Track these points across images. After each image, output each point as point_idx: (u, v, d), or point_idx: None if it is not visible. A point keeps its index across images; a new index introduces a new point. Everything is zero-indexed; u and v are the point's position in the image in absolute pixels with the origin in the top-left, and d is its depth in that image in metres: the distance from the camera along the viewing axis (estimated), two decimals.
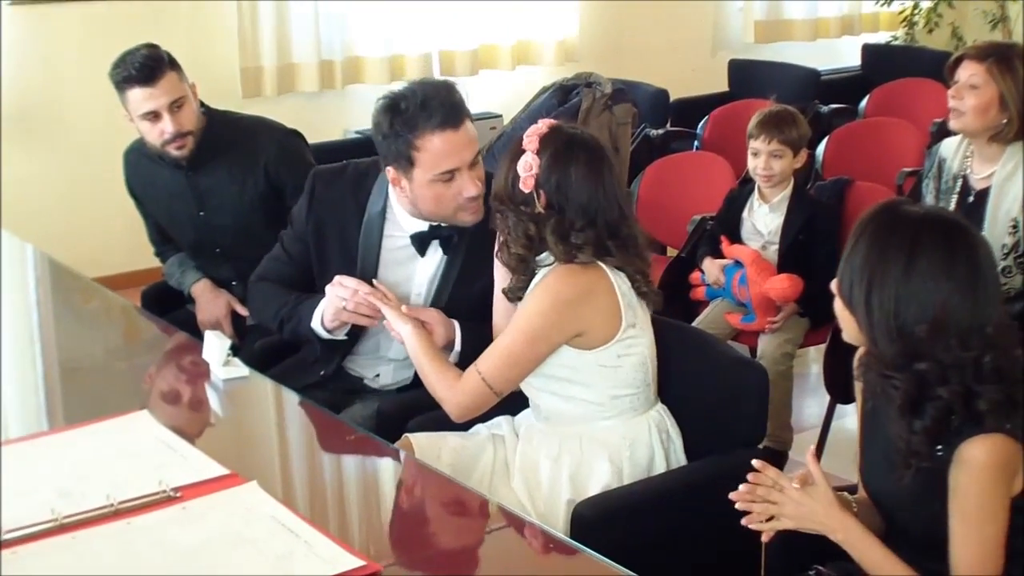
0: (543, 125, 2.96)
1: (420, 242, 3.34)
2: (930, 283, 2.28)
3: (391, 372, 3.51)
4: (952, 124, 4.14)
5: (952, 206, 4.11)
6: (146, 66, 3.90)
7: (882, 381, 2.39)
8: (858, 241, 2.38)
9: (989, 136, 4.07)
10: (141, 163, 4.22)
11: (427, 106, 3.13)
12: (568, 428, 3.01)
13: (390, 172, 3.23)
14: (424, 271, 3.38)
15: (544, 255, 2.96)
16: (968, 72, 4.05)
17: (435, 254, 3.36)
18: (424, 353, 3.07)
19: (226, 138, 4.09)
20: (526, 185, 2.90)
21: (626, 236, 2.96)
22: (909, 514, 2.46)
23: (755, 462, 2.51)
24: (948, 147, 4.27)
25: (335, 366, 3.50)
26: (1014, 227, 4.00)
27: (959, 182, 4.17)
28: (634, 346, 2.98)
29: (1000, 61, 4.03)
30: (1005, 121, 4.03)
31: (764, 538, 2.53)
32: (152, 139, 3.99)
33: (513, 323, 2.95)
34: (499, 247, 3.00)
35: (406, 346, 3.11)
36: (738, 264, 4.57)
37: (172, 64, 3.97)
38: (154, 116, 3.93)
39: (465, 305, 3.27)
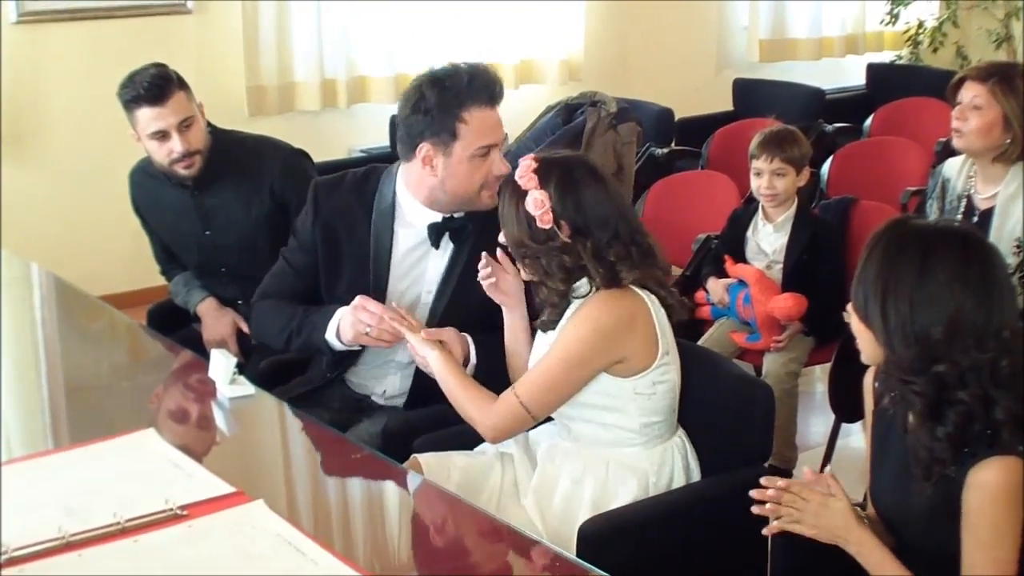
0: (529, 161, 2.94)
1: (436, 233, 3.35)
2: (944, 288, 2.31)
3: (398, 381, 3.50)
4: (955, 144, 4.14)
5: None
6: (155, 85, 3.90)
7: (902, 388, 2.39)
8: (870, 256, 2.41)
9: (993, 156, 4.07)
10: (147, 183, 4.23)
11: (474, 82, 3.19)
12: (596, 451, 3.00)
13: (424, 149, 3.23)
14: (436, 266, 3.39)
15: (579, 283, 2.95)
16: (971, 93, 4.06)
17: (447, 248, 3.38)
18: (453, 376, 3.04)
19: (232, 157, 4.09)
20: (544, 221, 2.88)
21: (646, 245, 2.96)
22: (920, 532, 2.46)
23: (780, 482, 2.50)
24: (952, 167, 4.27)
25: (338, 374, 3.52)
26: (1018, 247, 4.00)
27: (963, 202, 4.17)
28: (668, 373, 2.99)
29: (1003, 81, 4.04)
30: (1009, 141, 4.03)
31: (766, 531, 2.53)
32: (160, 159, 3.99)
33: (553, 349, 2.93)
34: (537, 290, 2.98)
35: (433, 370, 3.08)
36: (742, 283, 4.58)
37: (180, 84, 3.97)
38: (162, 136, 3.93)
39: (474, 299, 3.26)
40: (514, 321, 3.17)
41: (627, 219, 2.97)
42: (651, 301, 2.94)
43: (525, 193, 2.90)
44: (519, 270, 3.05)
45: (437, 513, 2.68)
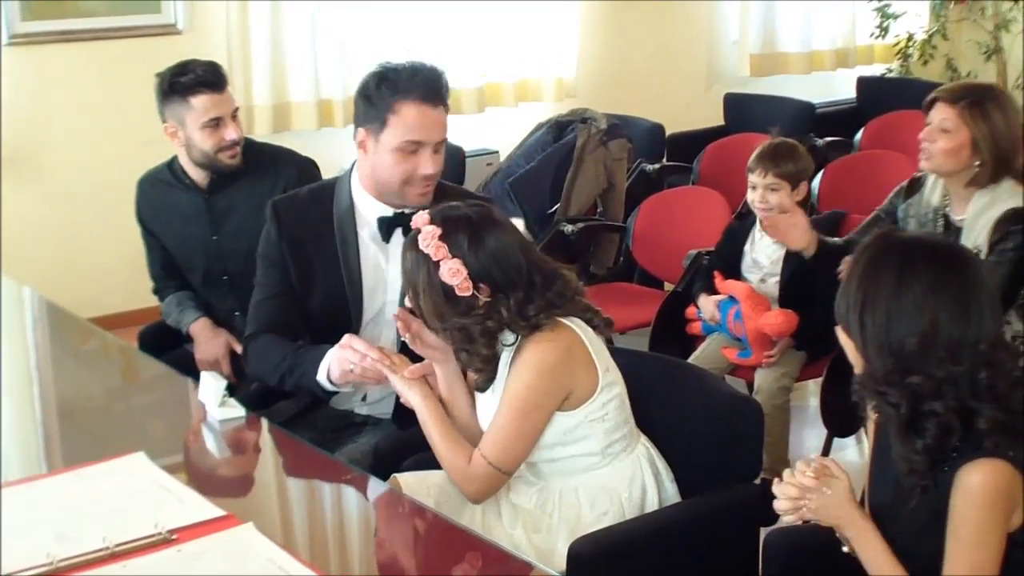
0: (429, 228, 2.84)
1: (386, 228, 3.37)
2: (919, 300, 2.34)
3: (378, 387, 3.45)
4: (922, 165, 4.11)
5: None
6: (213, 72, 4.06)
7: (877, 398, 2.41)
8: (853, 269, 2.44)
9: (965, 181, 4.06)
10: (156, 189, 4.29)
11: (414, 77, 3.22)
12: (563, 481, 3.00)
13: (360, 134, 3.29)
14: (396, 262, 3.34)
15: (501, 335, 2.90)
16: (940, 115, 4.04)
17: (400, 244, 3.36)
18: (435, 429, 2.95)
19: (247, 163, 4.17)
20: (464, 289, 2.81)
21: (559, 282, 2.92)
22: (912, 538, 2.47)
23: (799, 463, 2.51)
24: (928, 181, 4.27)
25: (323, 404, 3.52)
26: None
27: (940, 217, 4.17)
28: (613, 389, 2.96)
29: (973, 105, 4.01)
30: (978, 164, 4.02)
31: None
32: (207, 147, 4.07)
33: (504, 403, 2.88)
34: (464, 360, 2.93)
35: (418, 417, 2.99)
36: (733, 300, 4.58)
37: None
38: (217, 123, 4.03)
39: None
40: (447, 375, 3.06)
41: (535, 260, 2.91)
42: (576, 325, 2.90)
43: (437, 263, 2.82)
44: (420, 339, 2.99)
45: (419, 532, 2.67)
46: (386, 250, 3.42)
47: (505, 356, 2.91)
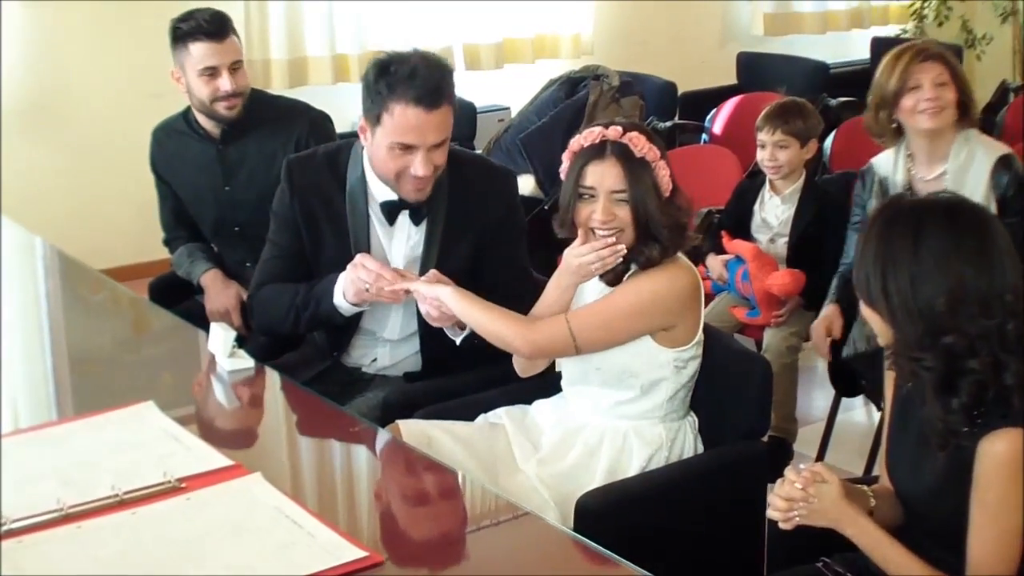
0: (629, 133, 2.93)
1: (389, 211, 3.36)
2: (940, 258, 2.31)
3: (387, 354, 3.52)
4: (934, 123, 4.09)
5: None
6: (215, 22, 4.04)
7: (912, 365, 2.38)
8: (867, 239, 2.41)
9: (945, 136, 4.10)
10: (170, 139, 4.31)
11: (412, 78, 3.14)
12: (616, 422, 3.03)
13: (361, 120, 3.26)
14: (399, 241, 3.40)
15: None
16: (934, 72, 4.05)
17: (407, 229, 3.39)
18: (475, 305, 3.01)
19: (260, 115, 4.18)
20: (666, 190, 2.95)
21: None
22: (930, 503, 2.47)
23: (789, 472, 2.49)
24: (884, 163, 4.25)
25: (334, 360, 3.54)
26: None
27: (908, 192, 4.15)
28: (700, 348, 3.04)
29: (951, 56, 4.16)
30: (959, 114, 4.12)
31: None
32: (204, 96, 4.07)
33: (620, 292, 2.97)
34: (641, 251, 2.97)
35: (452, 307, 3.03)
36: (740, 259, 4.57)
37: (234, 28, 4.11)
38: (212, 72, 4.03)
39: (452, 275, 3.25)
40: (570, 291, 3.10)
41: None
42: (699, 277, 3.00)
43: (650, 165, 2.91)
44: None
45: (427, 483, 2.69)
46: (390, 232, 3.41)
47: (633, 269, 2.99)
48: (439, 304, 3.07)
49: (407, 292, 3.14)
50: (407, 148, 3.18)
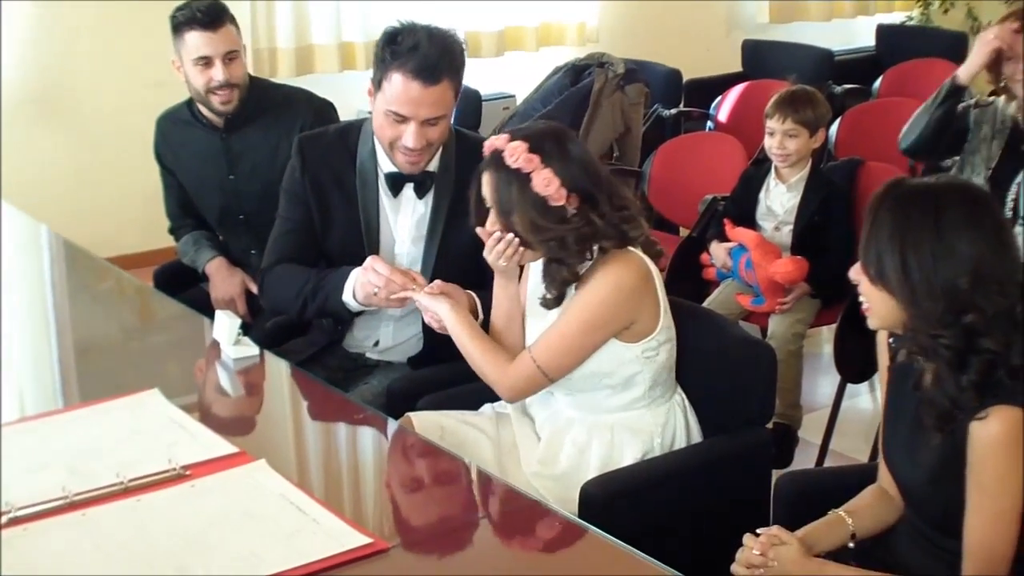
0: (511, 143, 2.86)
1: (393, 183, 3.38)
2: (963, 235, 2.30)
3: (391, 333, 3.52)
4: None
5: (997, 150, 4.23)
6: (210, 12, 4.01)
7: (930, 342, 2.35)
8: (877, 216, 2.38)
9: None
10: (174, 128, 4.30)
11: (414, 51, 3.16)
12: (601, 417, 3.01)
13: (369, 85, 3.31)
14: (404, 215, 3.42)
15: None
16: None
17: (413, 201, 3.40)
18: (467, 333, 3.01)
19: (263, 103, 4.17)
20: (558, 198, 2.83)
21: (629, 199, 2.97)
22: (927, 489, 2.47)
23: (747, 539, 2.52)
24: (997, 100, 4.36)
25: (336, 339, 3.55)
26: None
27: (1008, 127, 4.23)
28: (670, 331, 3.00)
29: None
30: None
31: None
32: (198, 85, 4.06)
33: (571, 312, 2.90)
34: (552, 273, 2.93)
35: (447, 326, 3.04)
36: (743, 247, 4.57)
37: (232, 18, 4.09)
38: (206, 63, 4.02)
39: (459, 250, 3.30)
40: (509, 298, 3.09)
41: (611, 177, 2.98)
42: (649, 262, 2.94)
43: (527, 176, 2.83)
44: (521, 252, 2.94)
45: (433, 472, 2.69)
46: (396, 204, 3.42)
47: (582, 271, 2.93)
48: (439, 318, 3.07)
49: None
50: (401, 118, 3.21)
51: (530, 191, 2.83)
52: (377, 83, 3.24)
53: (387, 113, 3.23)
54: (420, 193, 3.38)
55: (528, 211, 2.85)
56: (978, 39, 4.36)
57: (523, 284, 3.11)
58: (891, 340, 2.56)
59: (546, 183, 2.82)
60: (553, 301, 2.95)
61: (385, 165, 3.39)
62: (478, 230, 2.97)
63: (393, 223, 3.42)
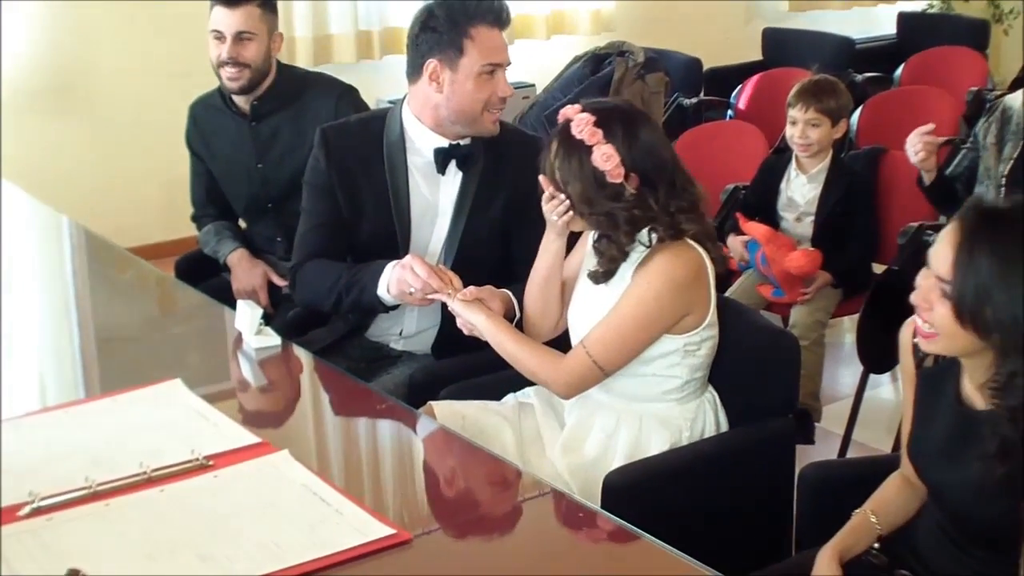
0: (581, 112, 2.86)
1: (443, 158, 3.37)
2: None
3: (415, 320, 3.51)
4: None
5: (1015, 150, 4.20)
6: None
7: (1010, 381, 2.20)
8: (974, 250, 2.19)
9: None
10: (206, 114, 4.32)
11: (483, 2, 3.24)
12: (632, 405, 3.00)
13: (431, 66, 3.27)
14: (447, 196, 3.41)
15: (640, 235, 2.91)
16: None
17: (455, 176, 3.40)
18: (509, 339, 2.99)
19: (291, 91, 4.19)
20: (615, 176, 2.82)
21: (696, 194, 2.94)
22: (972, 503, 2.39)
23: None
24: (1015, 98, 4.31)
25: (357, 328, 3.55)
26: None
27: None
28: (714, 328, 2.99)
29: None
30: None
31: None
32: (212, 58, 4.11)
33: (626, 306, 2.88)
34: (601, 248, 2.94)
35: (486, 336, 3.02)
36: (758, 242, 4.56)
37: (263, 3, 4.10)
38: (219, 37, 4.06)
39: (486, 230, 3.33)
40: (556, 255, 3.07)
41: (680, 166, 2.95)
42: (704, 255, 2.92)
43: (588, 148, 2.83)
44: (570, 216, 2.93)
45: (456, 462, 2.68)
46: (437, 182, 3.41)
47: (633, 258, 2.91)
48: (471, 325, 3.06)
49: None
50: (493, 70, 3.26)
51: (589, 164, 2.84)
52: (457, 50, 3.23)
53: (481, 72, 3.25)
54: (467, 167, 3.38)
55: (584, 182, 2.86)
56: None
57: (577, 250, 3.11)
58: (916, 340, 2.48)
59: (605, 158, 2.82)
60: (602, 276, 2.95)
61: (429, 142, 3.37)
62: (541, 177, 2.96)
63: (436, 203, 3.42)
